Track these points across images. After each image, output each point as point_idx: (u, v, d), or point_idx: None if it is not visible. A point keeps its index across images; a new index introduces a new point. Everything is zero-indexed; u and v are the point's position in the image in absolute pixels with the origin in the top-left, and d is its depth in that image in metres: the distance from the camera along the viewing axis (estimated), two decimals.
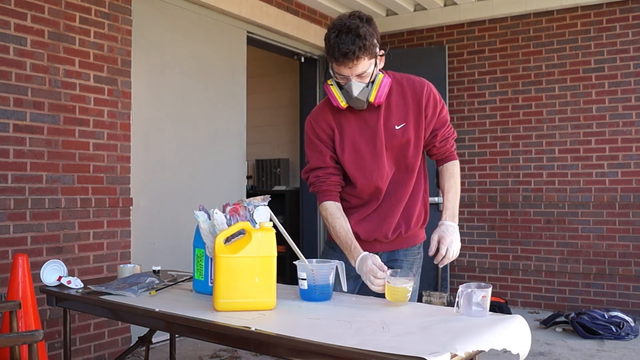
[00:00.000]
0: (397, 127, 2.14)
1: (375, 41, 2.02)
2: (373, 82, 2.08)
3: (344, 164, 2.18)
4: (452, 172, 2.29)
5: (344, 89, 2.07)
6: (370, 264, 2.00)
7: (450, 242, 2.11)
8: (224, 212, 2.01)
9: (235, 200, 2.12)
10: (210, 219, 2.01)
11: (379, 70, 2.12)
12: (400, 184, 2.21)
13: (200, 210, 2.03)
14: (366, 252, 2.06)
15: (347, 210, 2.22)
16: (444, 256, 2.08)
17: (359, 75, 2.03)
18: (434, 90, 2.20)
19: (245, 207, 1.99)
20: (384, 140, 2.14)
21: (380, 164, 2.15)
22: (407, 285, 1.91)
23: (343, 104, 2.11)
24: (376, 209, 2.22)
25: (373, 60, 2.05)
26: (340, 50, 1.96)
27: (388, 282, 1.92)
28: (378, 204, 2.21)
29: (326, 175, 2.19)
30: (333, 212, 2.16)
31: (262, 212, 1.98)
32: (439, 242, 2.12)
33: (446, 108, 2.24)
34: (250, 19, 4.86)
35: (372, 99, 2.08)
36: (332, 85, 2.12)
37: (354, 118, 2.15)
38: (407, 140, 2.15)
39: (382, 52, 2.10)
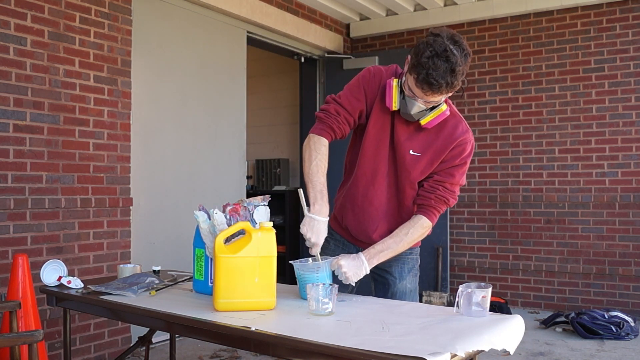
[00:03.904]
0: (411, 152, 2.10)
1: (463, 79, 1.93)
2: (434, 107, 2.02)
3: (362, 144, 2.13)
4: (416, 225, 2.11)
5: (405, 99, 2.00)
6: (319, 232, 1.99)
7: (343, 264, 2.01)
8: (224, 212, 2.01)
9: (235, 200, 2.12)
10: (210, 219, 2.01)
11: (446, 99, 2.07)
12: (393, 198, 2.18)
13: (200, 210, 2.03)
14: (326, 220, 2.02)
15: (343, 208, 2.25)
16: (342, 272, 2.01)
17: (429, 103, 1.99)
18: (470, 145, 2.12)
19: (245, 207, 2.00)
20: (396, 154, 2.12)
21: (379, 170, 2.14)
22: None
23: (394, 107, 2.04)
24: (364, 209, 2.21)
25: (449, 94, 1.99)
26: (428, 76, 1.86)
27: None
28: (367, 204, 2.20)
29: (344, 119, 2.10)
30: (322, 150, 2.07)
31: (262, 212, 1.99)
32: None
33: (465, 169, 2.14)
34: (250, 19, 4.86)
35: (422, 122, 2.03)
36: (395, 86, 2.02)
37: (392, 116, 2.09)
38: (413, 168, 2.10)
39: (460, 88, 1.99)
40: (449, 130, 2.09)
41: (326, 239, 2.12)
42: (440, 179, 2.12)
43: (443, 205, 2.13)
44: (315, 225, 2.00)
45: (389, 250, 2.08)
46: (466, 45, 1.91)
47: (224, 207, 2.04)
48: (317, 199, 2.02)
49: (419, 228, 2.10)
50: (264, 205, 2.02)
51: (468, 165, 2.15)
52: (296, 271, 2.03)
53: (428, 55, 1.85)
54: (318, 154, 2.06)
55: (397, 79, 2.04)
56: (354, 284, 2.05)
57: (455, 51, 1.86)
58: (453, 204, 2.16)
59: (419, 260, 2.34)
